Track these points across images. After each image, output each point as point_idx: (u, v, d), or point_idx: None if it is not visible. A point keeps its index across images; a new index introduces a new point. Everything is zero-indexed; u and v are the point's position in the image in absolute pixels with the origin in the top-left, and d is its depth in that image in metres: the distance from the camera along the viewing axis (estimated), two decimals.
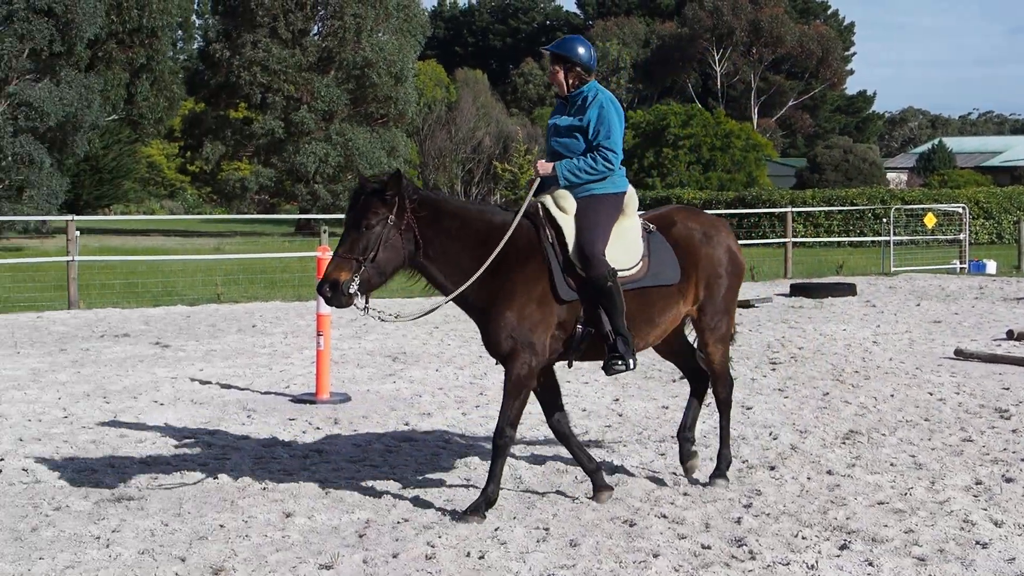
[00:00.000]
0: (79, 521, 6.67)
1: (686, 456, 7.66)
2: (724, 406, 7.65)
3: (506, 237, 6.75)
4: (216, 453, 8.44)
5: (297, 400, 10.48)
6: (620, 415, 9.84)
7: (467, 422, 9.52)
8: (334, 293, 6.55)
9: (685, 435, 7.65)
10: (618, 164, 7.05)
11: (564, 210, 6.95)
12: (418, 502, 7.07)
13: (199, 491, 7.36)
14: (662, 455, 8.33)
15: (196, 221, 52.75)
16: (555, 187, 7.06)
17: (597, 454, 8.15)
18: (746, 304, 17.75)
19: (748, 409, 9.94)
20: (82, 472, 7.82)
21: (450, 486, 7.47)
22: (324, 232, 19.54)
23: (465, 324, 15.98)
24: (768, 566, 5.83)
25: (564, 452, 7.75)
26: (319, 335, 10.36)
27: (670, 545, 6.17)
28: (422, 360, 12.81)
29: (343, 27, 49.60)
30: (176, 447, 8.64)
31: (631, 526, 6.55)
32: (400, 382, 11.42)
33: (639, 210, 7.39)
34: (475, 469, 7.90)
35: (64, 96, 37.75)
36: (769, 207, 38.23)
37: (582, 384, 11.18)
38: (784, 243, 26.67)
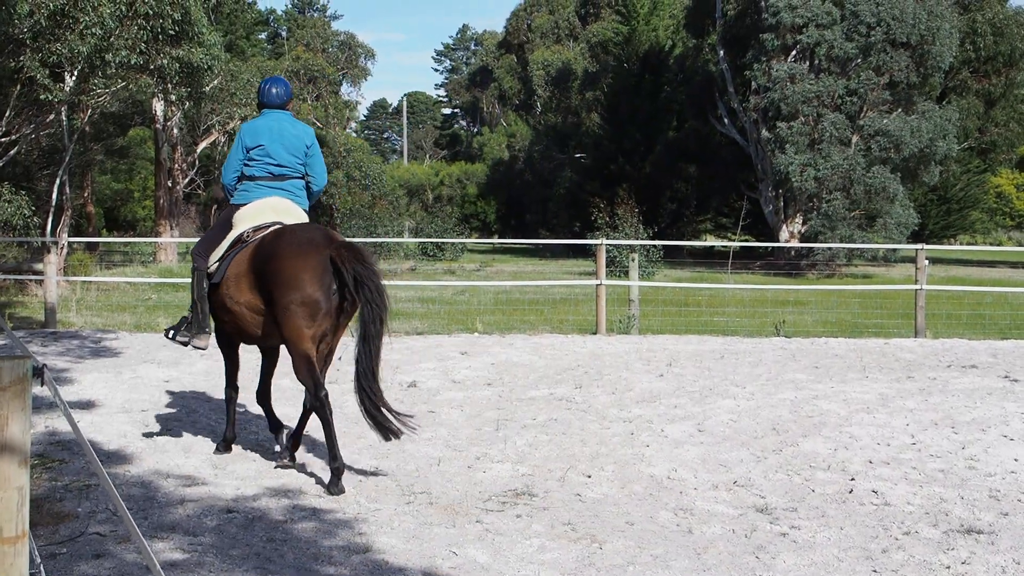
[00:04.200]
0: (928, 548, 6.69)
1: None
2: (319, 415, 7.81)
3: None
4: None
5: None
6: None
7: None
8: None
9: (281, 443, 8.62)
10: (226, 182, 8.53)
11: None
12: None
13: None
14: None
15: None
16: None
17: None
18: None
19: None
20: (930, 500, 7.84)
21: None
22: None
23: None
24: None
25: None
26: None
27: None
28: None
29: None
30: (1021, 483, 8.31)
31: None
32: None
33: None
34: None
35: (919, 127, 38.24)
36: None
37: None
38: None
